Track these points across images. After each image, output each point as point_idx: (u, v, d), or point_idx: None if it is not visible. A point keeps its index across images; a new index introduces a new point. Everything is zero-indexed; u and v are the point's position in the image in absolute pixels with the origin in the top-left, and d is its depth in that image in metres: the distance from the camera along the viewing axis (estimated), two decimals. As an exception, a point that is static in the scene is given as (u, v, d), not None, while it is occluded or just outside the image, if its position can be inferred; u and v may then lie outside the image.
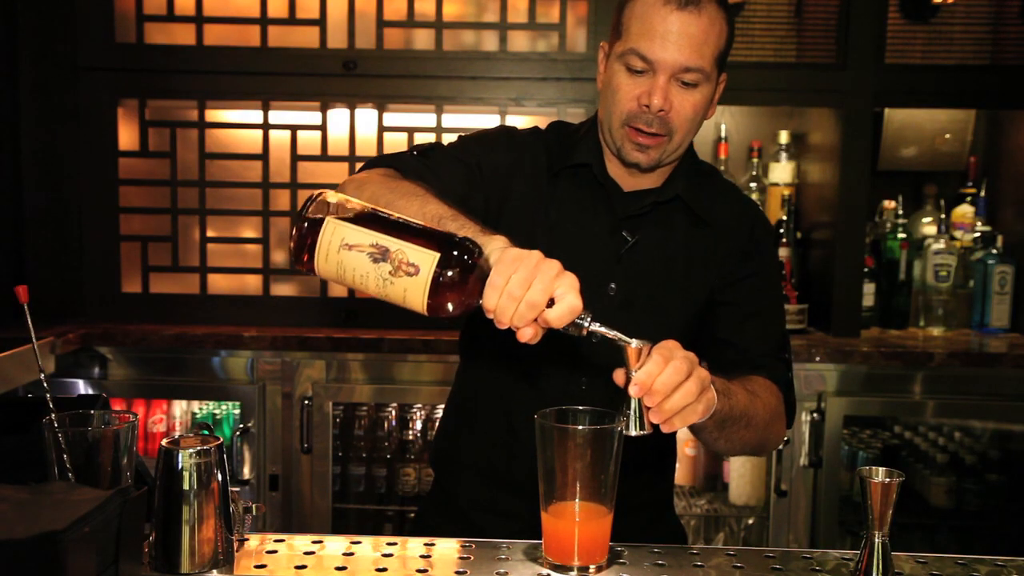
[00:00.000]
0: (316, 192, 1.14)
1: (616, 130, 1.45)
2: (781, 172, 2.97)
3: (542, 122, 2.81)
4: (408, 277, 1.05)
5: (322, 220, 1.09)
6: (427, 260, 1.04)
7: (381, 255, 1.06)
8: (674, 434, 1.66)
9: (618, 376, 1.16)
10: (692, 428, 1.27)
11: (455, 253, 1.06)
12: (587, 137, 1.54)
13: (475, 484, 1.58)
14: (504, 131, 1.60)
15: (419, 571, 1.19)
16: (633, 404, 1.15)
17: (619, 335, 1.13)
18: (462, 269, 1.06)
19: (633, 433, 1.16)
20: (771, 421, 1.44)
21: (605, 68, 1.48)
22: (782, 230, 2.86)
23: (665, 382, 1.12)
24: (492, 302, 1.08)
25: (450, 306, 1.07)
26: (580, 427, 1.18)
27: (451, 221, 1.18)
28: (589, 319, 1.11)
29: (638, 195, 1.51)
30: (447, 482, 1.65)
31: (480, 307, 1.09)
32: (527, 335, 1.10)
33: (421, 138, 2.79)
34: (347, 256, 1.07)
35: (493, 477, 1.56)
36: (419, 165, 1.45)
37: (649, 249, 1.51)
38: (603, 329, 1.12)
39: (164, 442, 1.14)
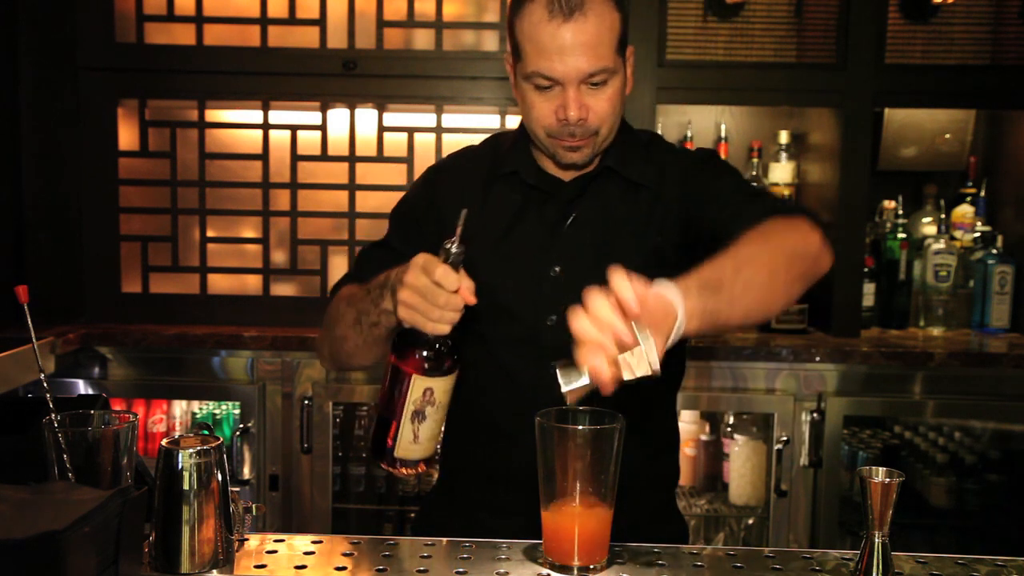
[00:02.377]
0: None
1: (543, 141, 1.48)
2: (781, 172, 2.97)
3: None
4: (438, 403, 1.28)
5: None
6: (420, 383, 1.26)
7: (422, 413, 1.28)
8: (676, 425, 1.69)
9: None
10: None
11: (416, 358, 1.26)
12: (516, 146, 1.57)
13: (473, 482, 1.58)
14: (424, 175, 1.67)
15: (419, 571, 1.19)
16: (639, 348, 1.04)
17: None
18: (425, 356, 1.26)
19: (639, 373, 1.04)
20: (781, 234, 1.32)
21: (515, 84, 1.49)
22: (782, 230, 2.86)
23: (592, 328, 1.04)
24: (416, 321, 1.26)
25: (450, 364, 1.28)
26: (580, 427, 1.18)
27: (360, 301, 1.43)
28: (452, 245, 1.24)
29: (575, 182, 1.53)
30: (449, 480, 1.66)
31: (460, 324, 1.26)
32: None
33: (421, 138, 2.79)
34: (422, 439, 1.31)
35: (490, 474, 1.56)
36: (355, 273, 1.61)
37: (587, 224, 1.53)
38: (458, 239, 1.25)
39: (164, 442, 1.14)
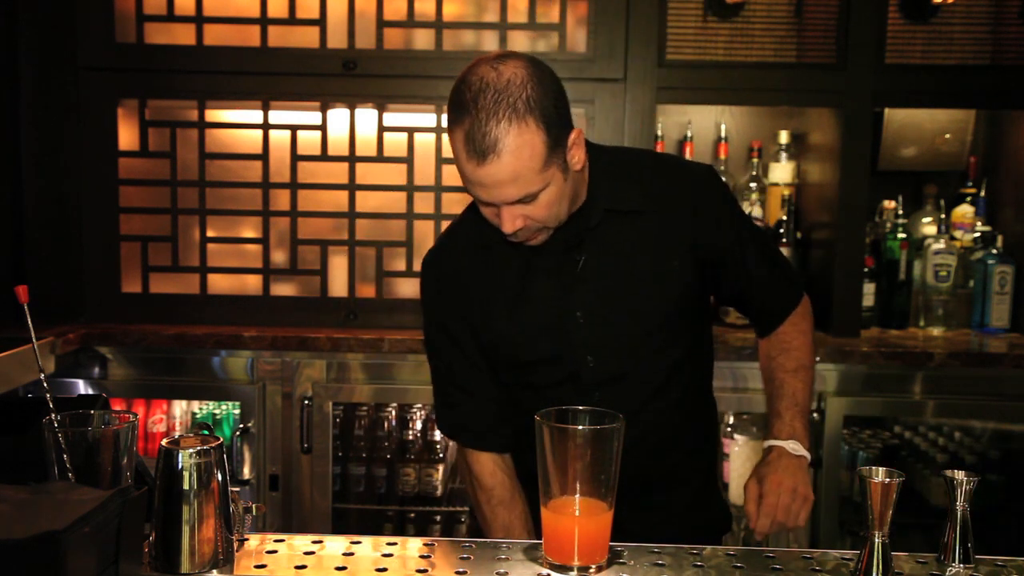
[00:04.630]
0: None
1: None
2: (781, 172, 2.97)
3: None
4: None
5: None
6: None
7: None
8: (715, 411, 1.77)
9: None
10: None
11: None
12: None
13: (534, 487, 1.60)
14: (423, 274, 1.67)
15: (419, 571, 1.19)
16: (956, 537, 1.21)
17: None
18: None
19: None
20: (812, 349, 1.71)
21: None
22: (782, 230, 2.86)
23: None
24: None
25: None
26: (580, 427, 1.18)
27: None
28: None
29: (565, 225, 1.52)
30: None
31: None
32: None
33: (421, 138, 2.79)
34: None
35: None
36: (467, 422, 1.66)
37: (598, 264, 1.54)
38: None
39: (164, 442, 1.14)
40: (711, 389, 1.75)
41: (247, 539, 1.27)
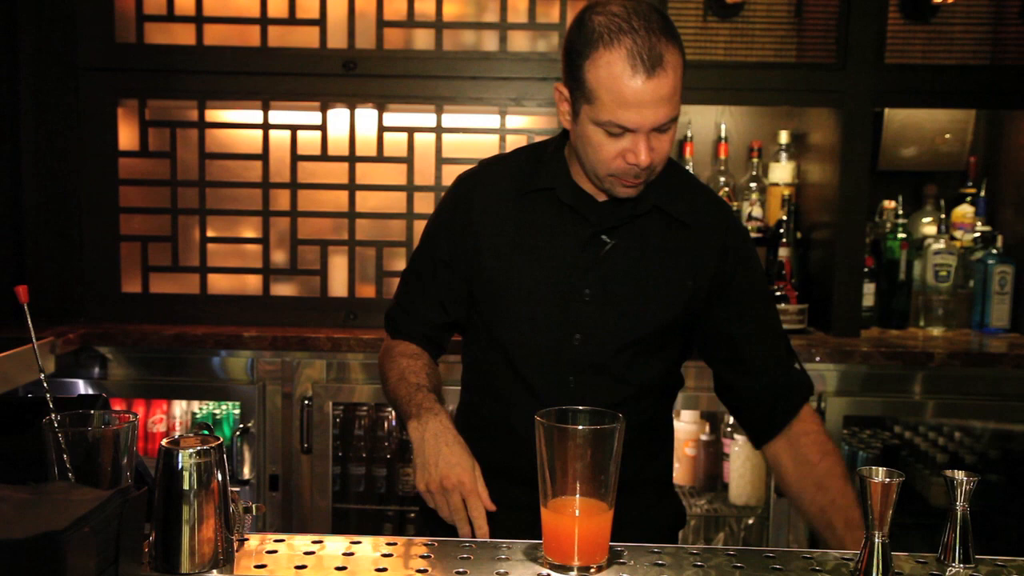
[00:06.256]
0: None
1: (603, 178, 1.49)
2: (781, 172, 2.97)
3: (542, 122, 2.84)
4: None
5: None
6: None
7: None
8: (672, 425, 1.76)
9: None
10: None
11: None
12: (552, 160, 1.58)
13: (486, 476, 1.59)
14: (455, 185, 1.67)
15: (419, 571, 1.19)
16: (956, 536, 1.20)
17: None
18: None
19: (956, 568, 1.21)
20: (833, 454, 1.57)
21: (573, 119, 1.48)
22: (782, 230, 2.86)
23: None
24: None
25: None
26: (580, 427, 1.18)
27: (399, 403, 1.57)
28: None
29: (612, 204, 1.54)
30: None
31: None
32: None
33: (421, 138, 2.79)
34: None
35: (503, 471, 1.57)
36: (405, 322, 1.72)
37: (625, 253, 1.55)
38: None
39: (164, 442, 1.14)
40: (672, 409, 1.77)
41: (247, 539, 1.27)
